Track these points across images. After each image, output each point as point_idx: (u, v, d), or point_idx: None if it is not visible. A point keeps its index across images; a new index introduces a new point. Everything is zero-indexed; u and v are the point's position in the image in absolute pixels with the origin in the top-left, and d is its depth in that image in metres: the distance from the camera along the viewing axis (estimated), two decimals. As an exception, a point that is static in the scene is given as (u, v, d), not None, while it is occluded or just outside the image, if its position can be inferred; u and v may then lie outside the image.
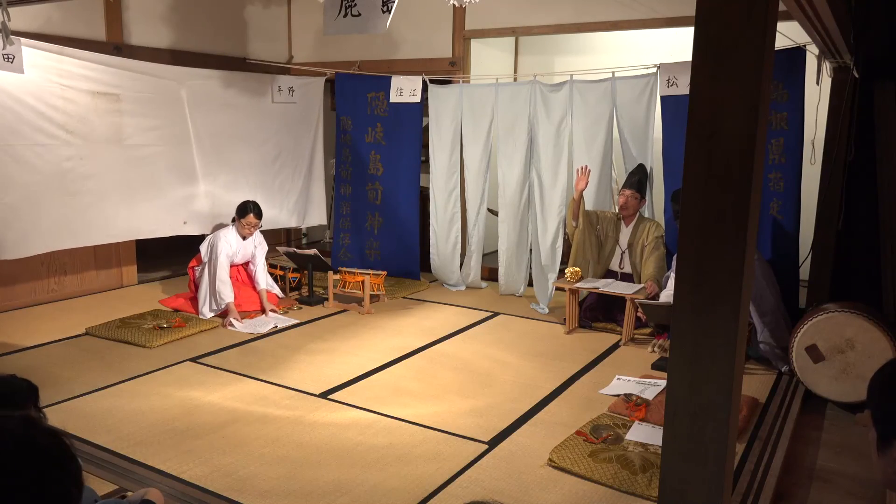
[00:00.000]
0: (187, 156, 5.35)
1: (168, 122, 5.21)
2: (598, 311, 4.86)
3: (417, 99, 5.81)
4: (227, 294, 4.86)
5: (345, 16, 4.11)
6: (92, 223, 4.86)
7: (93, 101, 4.75)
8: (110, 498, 2.29)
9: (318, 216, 6.46)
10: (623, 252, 4.95)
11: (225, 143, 5.60)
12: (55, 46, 4.55)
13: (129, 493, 2.28)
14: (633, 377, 3.82)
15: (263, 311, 4.95)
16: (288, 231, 7.22)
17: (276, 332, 4.64)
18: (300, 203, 6.25)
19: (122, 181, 5.00)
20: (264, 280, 5.21)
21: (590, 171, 4.93)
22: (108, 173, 4.91)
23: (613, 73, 5.08)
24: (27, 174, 4.49)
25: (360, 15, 4.06)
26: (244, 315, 4.86)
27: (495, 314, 5.17)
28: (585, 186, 4.88)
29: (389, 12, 3.95)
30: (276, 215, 5.98)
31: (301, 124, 6.18)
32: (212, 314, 4.87)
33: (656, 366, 4.05)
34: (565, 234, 5.29)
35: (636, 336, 4.61)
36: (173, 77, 5.26)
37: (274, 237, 6.62)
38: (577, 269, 4.79)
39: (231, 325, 4.71)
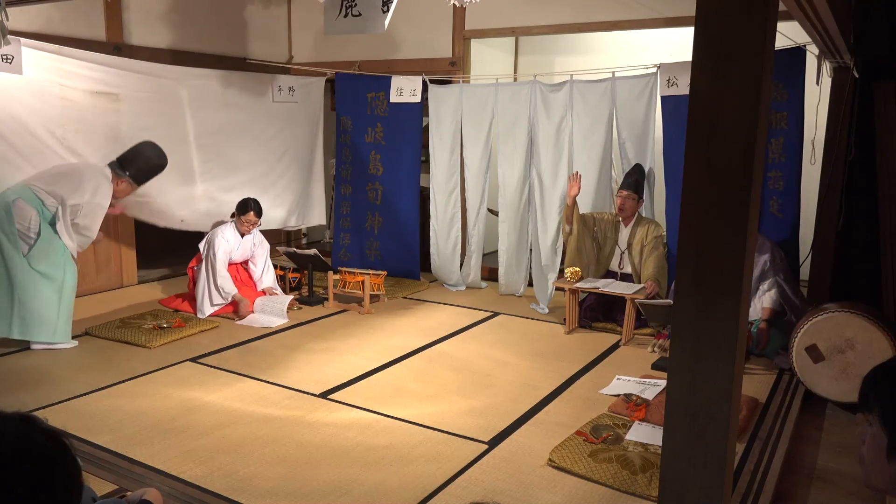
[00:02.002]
0: (186, 155, 5.35)
1: (168, 122, 5.20)
2: (598, 311, 4.86)
3: (417, 99, 5.81)
4: (230, 287, 4.89)
5: (345, 16, 4.12)
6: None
7: (91, 101, 4.74)
8: (110, 498, 2.29)
9: (318, 216, 6.45)
10: (623, 252, 4.95)
11: (225, 142, 5.59)
12: (54, 46, 4.54)
13: (129, 493, 2.28)
14: (633, 377, 3.82)
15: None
16: (288, 231, 7.22)
17: (277, 331, 4.64)
18: (300, 203, 6.25)
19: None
20: (270, 279, 5.23)
21: (581, 176, 4.96)
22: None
23: (613, 73, 5.08)
24: (26, 173, 4.48)
25: (360, 15, 4.07)
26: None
27: (495, 314, 5.17)
28: (578, 192, 4.90)
29: (389, 12, 3.95)
30: (277, 215, 5.98)
31: (302, 124, 6.18)
32: (214, 308, 4.89)
33: (656, 366, 4.06)
34: (564, 234, 5.30)
35: (636, 336, 4.61)
36: (173, 76, 5.26)
37: (274, 237, 6.62)
38: (577, 269, 4.80)
39: (248, 318, 4.80)
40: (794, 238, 4.57)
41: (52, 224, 4.17)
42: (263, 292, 5.11)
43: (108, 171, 4.48)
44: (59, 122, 4.58)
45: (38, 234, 4.10)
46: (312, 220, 6.47)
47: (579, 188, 4.91)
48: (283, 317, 4.85)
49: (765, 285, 4.23)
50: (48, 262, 4.14)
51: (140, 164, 4.57)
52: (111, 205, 4.50)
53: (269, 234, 5.74)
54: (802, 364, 3.61)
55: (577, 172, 4.99)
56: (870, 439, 1.28)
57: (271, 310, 4.88)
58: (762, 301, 4.20)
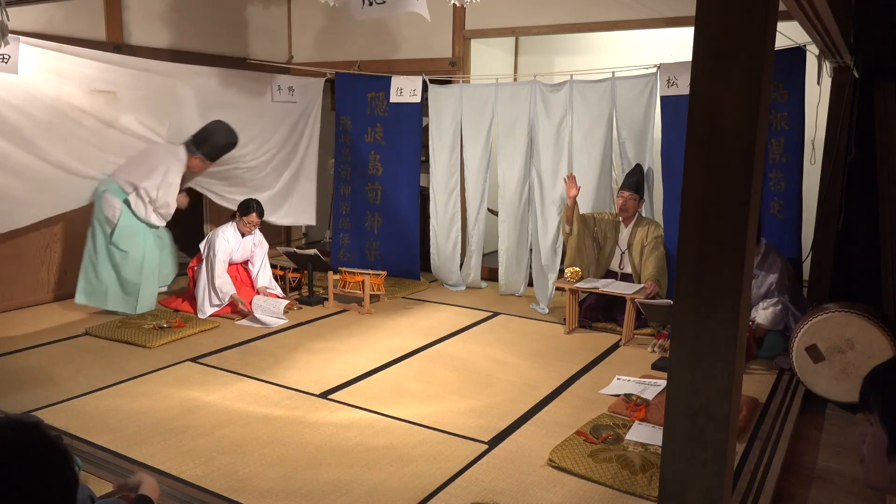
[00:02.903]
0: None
1: (166, 120, 5.22)
2: (598, 311, 4.86)
3: (417, 99, 5.81)
4: (228, 287, 4.90)
5: (370, 4, 4.04)
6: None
7: (89, 99, 4.74)
8: (109, 498, 2.29)
9: (307, 216, 6.44)
10: (623, 253, 4.95)
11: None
12: (54, 44, 4.54)
13: (122, 483, 2.24)
14: (633, 377, 3.82)
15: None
16: (288, 231, 7.22)
17: (277, 331, 4.64)
18: (293, 202, 6.25)
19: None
20: (266, 279, 5.22)
21: (575, 176, 4.97)
22: (102, 170, 4.93)
23: (613, 73, 5.08)
24: (23, 172, 4.49)
25: (384, 2, 4.00)
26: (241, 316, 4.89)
27: (495, 314, 5.17)
28: (577, 192, 4.90)
29: None
30: (269, 214, 5.97)
31: (299, 124, 6.18)
32: (213, 309, 4.90)
33: (656, 366, 4.06)
34: (564, 234, 5.30)
35: (636, 336, 4.61)
36: (172, 74, 5.26)
37: (274, 237, 6.62)
38: (577, 269, 4.80)
39: (248, 318, 4.81)
40: (796, 239, 4.56)
41: (133, 209, 4.84)
42: (258, 292, 5.11)
43: (181, 151, 5.05)
44: (55, 121, 4.58)
45: (119, 220, 4.77)
46: (301, 220, 6.47)
47: (578, 188, 4.91)
48: (282, 318, 4.85)
49: (765, 303, 4.21)
50: (129, 244, 4.81)
51: (213, 142, 5.11)
52: (184, 180, 5.14)
53: (269, 235, 5.75)
54: (802, 364, 3.61)
55: (571, 174, 5.01)
56: (870, 438, 1.28)
57: (268, 310, 4.88)
58: (758, 316, 4.19)
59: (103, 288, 4.81)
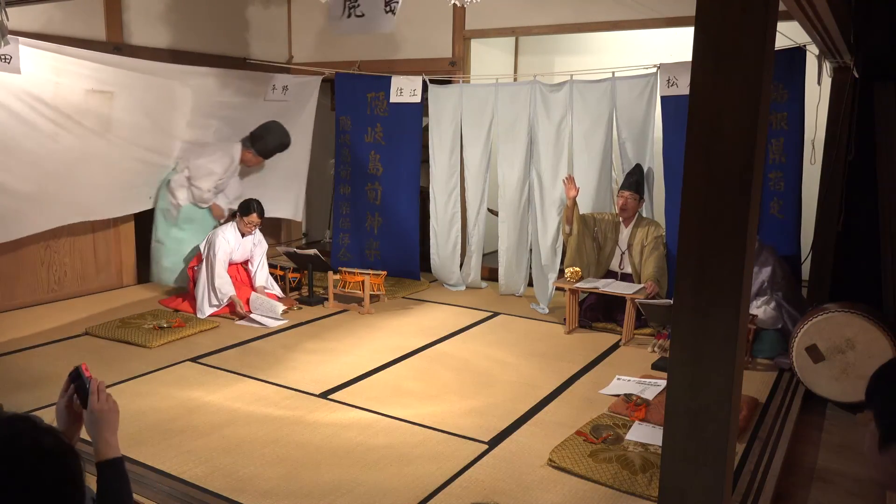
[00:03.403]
0: (167, 151, 5.40)
1: (160, 120, 5.22)
2: (598, 311, 4.86)
3: (417, 99, 5.80)
4: (227, 288, 4.89)
5: (348, 16, 4.11)
6: (79, 205, 5.00)
7: (85, 99, 4.74)
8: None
9: (297, 211, 6.46)
10: (623, 253, 4.95)
11: (212, 140, 5.62)
12: (52, 45, 4.55)
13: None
14: (633, 377, 3.82)
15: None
16: (288, 231, 7.22)
17: (276, 331, 4.64)
18: (281, 197, 6.26)
19: (111, 177, 5.05)
20: (263, 278, 5.22)
21: (573, 178, 4.97)
22: (96, 169, 4.93)
23: (613, 73, 5.08)
24: (17, 172, 4.49)
25: (363, 15, 4.07)
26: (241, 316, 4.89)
27: (495, 314, 5.17)
28: (576, 193, 4.90)
29: (393, 13, 3.95)
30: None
31: (293, 123, 6.17)
32: (212, 309, 4.89)
33: (656, 366, 4.06)
34: (564, 234, 5.30)
35: (636, 336, 4.61)
36: (169, 75, 5.26)
37: (274, 237, 6.62)
38: (577, 269, 4.80)
39: (246, 318, 4.80)
40: (796, 239, 4.57)
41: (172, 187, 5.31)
42: (255, 290, 5.11)
43: (237, 146, 5.49)
44: (51, 121, 4.58)
45: (181, 205, 5.33)
46: (291, 215, 6.48)
47: (577, 189, 4.91)
48: (279, 319, 4.84)
49: (758, 301, 4.20)
50: (191, 226, 5.34)
51: (266, 141, 5.53)
52: (242, 174, 5.73)
53: (268, 234, 5.75)
54: (802, 364, 3.61)
55: (569, 175, 5.01)
56: (869, 435, 1.30)
57: (265, 311, 4.87)
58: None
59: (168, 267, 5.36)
